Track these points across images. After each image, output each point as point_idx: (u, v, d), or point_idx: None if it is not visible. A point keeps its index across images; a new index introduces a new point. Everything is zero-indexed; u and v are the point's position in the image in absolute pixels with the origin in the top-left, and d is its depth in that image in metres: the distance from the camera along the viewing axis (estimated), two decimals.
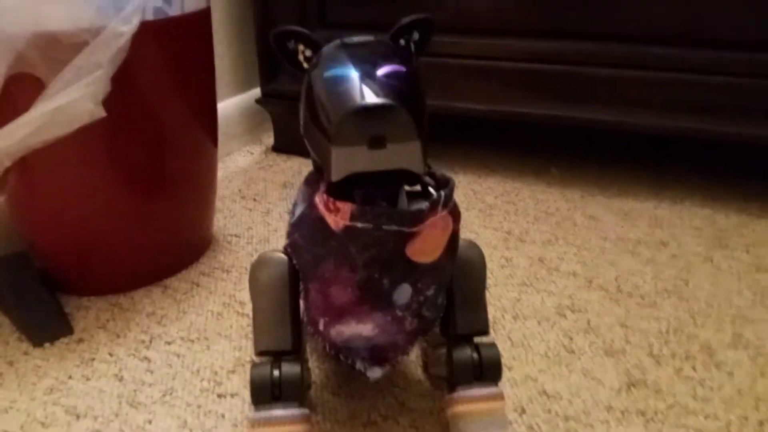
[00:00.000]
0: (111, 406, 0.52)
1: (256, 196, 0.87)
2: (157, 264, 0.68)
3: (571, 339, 0.58)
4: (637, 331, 0.58)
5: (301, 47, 0.42)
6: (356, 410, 0.51)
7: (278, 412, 0.42)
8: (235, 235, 0.77)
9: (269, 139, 1.05)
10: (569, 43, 0.81)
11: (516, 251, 0.72)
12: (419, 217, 0.38)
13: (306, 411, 0.43)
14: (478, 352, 0.45)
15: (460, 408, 0.44)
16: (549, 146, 0.97)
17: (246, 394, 0.53)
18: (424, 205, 0.38)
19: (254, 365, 0.44)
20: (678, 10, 0.75)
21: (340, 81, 0.38)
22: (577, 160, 0.94)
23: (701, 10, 0.74)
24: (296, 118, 1.04)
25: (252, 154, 1.01)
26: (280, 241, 0.75)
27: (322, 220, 0.41)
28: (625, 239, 0.73)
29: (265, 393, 0.43)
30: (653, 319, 0.60)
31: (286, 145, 1.02)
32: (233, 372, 0.55)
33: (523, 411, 0.50)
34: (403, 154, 0.37)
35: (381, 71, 0.38)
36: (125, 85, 0.56)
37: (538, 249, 0.72)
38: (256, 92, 1.03)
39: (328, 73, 0.39)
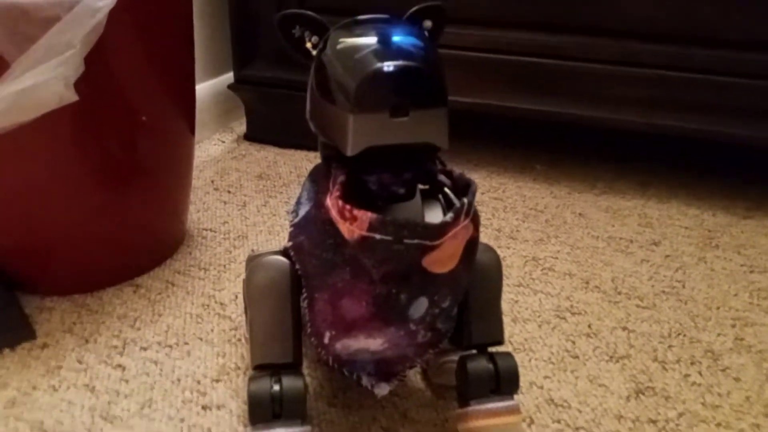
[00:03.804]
0: (83, 420, 0.47)
1: (230, 188, 0.82)
2: (128, 261, 0.63)
3: (573, 343, 0.56)
4: (640, 335, 0.57)
5: (307, 33, 0.39)
6: (356, 423, 0.47)
7: (281, 431, 0.39)
8: (211, 230, 0.72)
9: (240, 127, 1.00)
10: (557, 36, 0.79)
11: (508, 250, 0.69)
12: (443, 230, 0.35)
13: (308, 429, 0.40)
14: (494, 363, 0.42)
15: (475, 423, 0.41)
16: (531, 141, 0.95)
17: (234, 405, 0.48)
18: (448, 216, 0.35)
19: (252, 379, 0.40)
20: (672, 7, 0.73)
21: (357, 49, 0.35)
22: (560, 155, 0.92)
23: (696, 7, 0.72)
24: (269, 106, 0.98)
25: (223, 142, 0.96)
26: (259, 237, 0.71)
27: (331, 223, 0.37)
28: (617, 238, 0.72)
29: (264, 410, 0.39)
30: (654, 322, 0.58)
31: (259, 133, 0.96)
32: (218, 381, 0.51)
33: (532, 421, 0.47)
34: (428, 125, 0.34)
35: (398, 38, 0.35)
36: (99, 66, 0.50)
37: (530, 248, 0.70)
38: (228, 77, 0.98)
39: (343, 45, 0.36)
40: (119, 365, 0.52)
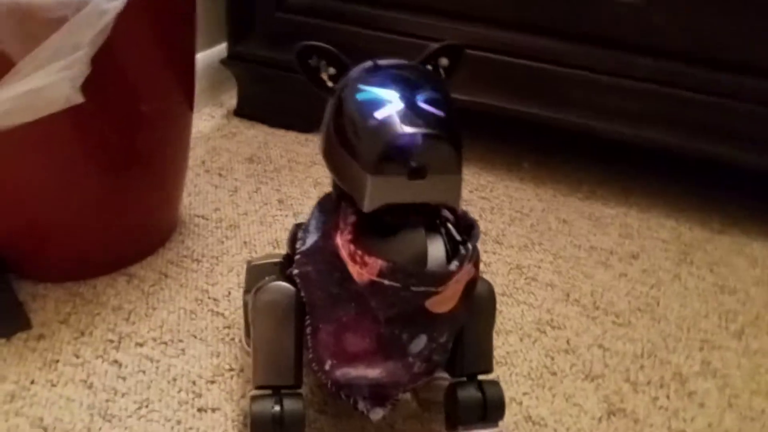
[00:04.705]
0: (82, 418, 0.48)
1: (221, 170, 0.82)
2: (122, 249, 0.63)
3: (552, 359, 0.59)
4: (614, 353, 0.60)
5: (323, 64, 0.39)
6: (344, 431, 0.50)
7: None
8: (203, 217, 0.72)
9: (230, 101, 0.99)
10: (554, 41, 0.79)
11: (494, 256, 0.71)
12: (448, 277, 0.37)
13: None
14: (482, 392, 0.44)
15: None
16: (520, 138, 0.96)
17: (228, 408, 0.50)
18: (453, 264, 0.37)
19: (254, 399, 0.42)
20: (668, 23, 0.74)
21: (378, 105, 0.36)
22: (547, 154, 0.94)
23: (696, 26, 0.73)
24: (262, 84, 0.98)
25: (213, 117, 0.95)
26: (251, 227, 0.71)
27: (338, 256, 0.38)
28: (598, 249, 0.74)
29: (266, 428, 0.41)
30: (628, 340, 0.61)
31: (249, 110, 0.96)
32: (212, 382, 0.53)
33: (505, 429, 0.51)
34: (443, 187, 0.36)
35: (420, 97, 0.36)
36: (105, 65, 0.50)
37: (515, 254, 0.72)
38: (220, 49, 0.96)
39: (364, 96, 0.36)
40: (115, 361, 0.53)
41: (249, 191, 0.78)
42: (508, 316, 0.63)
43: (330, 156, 0.38)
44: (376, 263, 0.36)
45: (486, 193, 0.83)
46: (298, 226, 0.49)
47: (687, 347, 0.61)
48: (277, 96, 0.93)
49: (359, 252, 0.36)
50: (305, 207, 0.76)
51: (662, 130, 0.79)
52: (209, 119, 0.94)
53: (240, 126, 0.94)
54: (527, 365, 0.58)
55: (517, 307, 0.64)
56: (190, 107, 0.67)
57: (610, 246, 0.75)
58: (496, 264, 0.70)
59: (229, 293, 0.62)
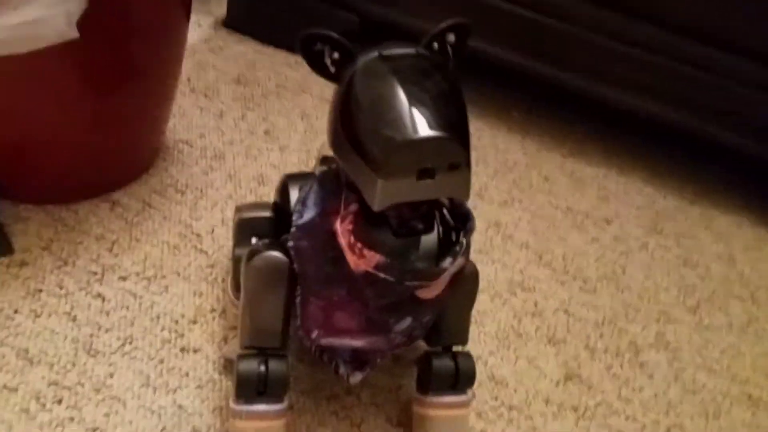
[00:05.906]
0: (67, 352, 0.50)
1: (206, 90, 0.79)
2: (106, 173, 0.62)
3: (519, 321, 0.62)
4: (578, 320, 0.63)
5: (327, 49, 0.38)
6: (320, 382, 0.52)
7: (262, 407, 0.43)
8: (187, 143, 0.71)
9: (219, 9, 0.94)
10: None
11: (474, 211, 0.71)
12: (440, 272, 0.38)
13: (286, 405, 0.44)
14: (456, 363, 0.47)
15: (429, 412, 0.47)
16: (512, 87, 0.95)
17: (210, 350, 0.53)
18: (447, 261, 0.38)
19: (241, 358, 0.43)
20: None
21: (387, 104, 0.35)
22: (537, 104, 0.93)
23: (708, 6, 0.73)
24: None
25: (200, 26, 0.91)
26: (236, 159, 0.71)
27: (335, 236, 0.39)
28: (574, 210, 0.76)
29: (251, 388, 0.43)
30: (592, 307, 0.65)
31: (239, 22, 0.91)
32: (194, 322, 0.54)
33: (473, 396, 0.54)
34: (452, 183, 0.36)
35: (427, 92, 0.36)
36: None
37: (495, 211, 0.73)
38: None
39: (372, 93, 0.36)
40: (99, 294, 0.54)
41: (235, 117, 0.76)
42: (482, 275, 0.63)
43: (338, 150, 0.38)
44: (374, 257, 0.37)
45: (474, 141, 0.81)
46: (288, 177, 0.50)
47: (645, 318, 0.65)
48: (269, 10, 0.89)
49: (359, 244, 0.37)
50: (292, 141, 0.75)
51: (648, 99, 0.80)
52: (196, 28, 0.90)
53: (228, 39, 0.90)
54: (495, 325, 0.61)
55: (491, 266, 0.67)
56: (187, 18, 0.64)
57: (586, 208, 0.77)
58: (476, 220, 0.71)
59: (213, 230, 0.62)
